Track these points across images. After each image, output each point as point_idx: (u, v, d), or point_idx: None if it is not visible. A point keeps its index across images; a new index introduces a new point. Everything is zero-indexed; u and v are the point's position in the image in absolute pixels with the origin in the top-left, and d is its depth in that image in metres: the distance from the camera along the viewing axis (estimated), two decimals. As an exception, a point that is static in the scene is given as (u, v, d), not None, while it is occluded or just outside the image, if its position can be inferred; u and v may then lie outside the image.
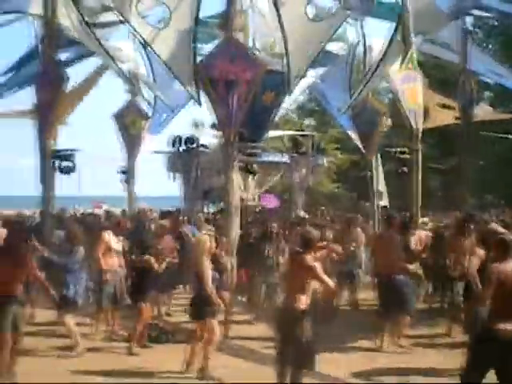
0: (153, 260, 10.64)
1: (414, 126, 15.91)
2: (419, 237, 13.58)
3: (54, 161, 16.36)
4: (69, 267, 10.37)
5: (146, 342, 10.68)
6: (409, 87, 15.98)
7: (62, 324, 10.51)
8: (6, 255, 8.50)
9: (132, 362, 9.84)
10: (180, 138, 22.53)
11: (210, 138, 25.04)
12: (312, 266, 7.73)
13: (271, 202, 25.18)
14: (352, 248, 14.11)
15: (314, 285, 7.91)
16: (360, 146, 20.62)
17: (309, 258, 7.82)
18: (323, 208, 24.71)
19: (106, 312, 11.49)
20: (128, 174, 21.95)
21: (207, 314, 8.99)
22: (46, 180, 16.34)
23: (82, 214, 23.55)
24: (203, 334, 9.14)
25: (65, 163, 16.56)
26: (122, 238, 11.76)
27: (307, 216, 19.99)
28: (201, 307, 9.05)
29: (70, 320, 10.31)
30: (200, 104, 15.02)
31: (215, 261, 9.81)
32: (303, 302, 7.69)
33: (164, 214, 18.58)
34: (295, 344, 7.67)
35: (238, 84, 14.06)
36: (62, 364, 9.62)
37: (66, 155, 16.65)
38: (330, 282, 7.87)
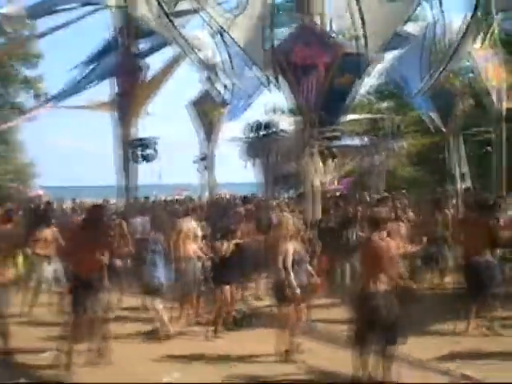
0: (225, 244, 10.69)
1: (497, 105, 15.50)
2: (507, 219, 13.24)
3: (137, 149, 16.70)
4: (153, 253, 10.49)
5: (230, 326, 10.77)
6: (491, 65, 15.59)
7: (149, 308, 10.65)
8: (90, 240, 8.64)
9: (216, 345, 9.94)
10: (258, 124, 22.62)
11: (287, 123, 24.95)
12: (379, 247, 7.65)
13: (347, 186, 25.04)
14: (437, 231, 13.86)
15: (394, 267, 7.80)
16: (441, 128, 20.25)
17: (377, 239, 7.72)
18: (404, 191, 24.32)
19: (190, 297, 11.63)
20: (206, 161, 22.14)
21: (284, 298, 8.98)
22: (128, 168, 16.72)
23: (165, 200, 23.94)
24: (285, 317, 9.17)
25: (147, 151, 16.92)
26: (201, 223, 11.87)
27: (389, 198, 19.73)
28: (279, 291, 9.08)
29: (158, 304, 10.45)
30: (278, 88, 15.03)
31: (305, 242, 9.84)
32: (377, 283, 7.62)
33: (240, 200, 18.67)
34: (374, 325, 7.61)
35: (316, 68, 14.04)
36: (148, 349, 9.80)
37: (148, 143, 16.99)
38: (390, 271, 7.71)
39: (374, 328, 7.62)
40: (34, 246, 11.90)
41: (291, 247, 9.00)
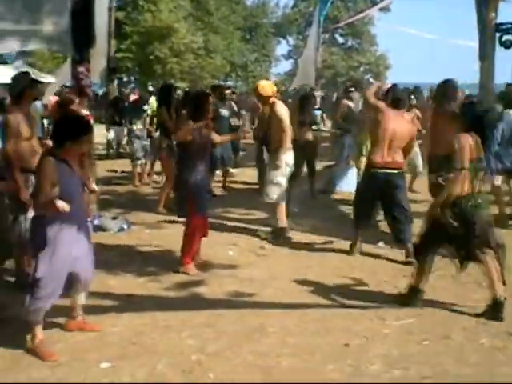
0: None
1: None
2: None
3: (495, 35, 16.06)
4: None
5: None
6: None
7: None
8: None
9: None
10: None
11: None
12: None
13: None
14: None
15: None
16: None
17: None
18: None
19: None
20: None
21: None
22: (486, 56, 16.15)
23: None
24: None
25: (506, 37, 16.17)
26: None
27: None
28: None
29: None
30: None
31: None
32: None
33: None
34: None
35: None
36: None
37: (508, 28, 16.20)
38: None
39: None
40: None
41: None
